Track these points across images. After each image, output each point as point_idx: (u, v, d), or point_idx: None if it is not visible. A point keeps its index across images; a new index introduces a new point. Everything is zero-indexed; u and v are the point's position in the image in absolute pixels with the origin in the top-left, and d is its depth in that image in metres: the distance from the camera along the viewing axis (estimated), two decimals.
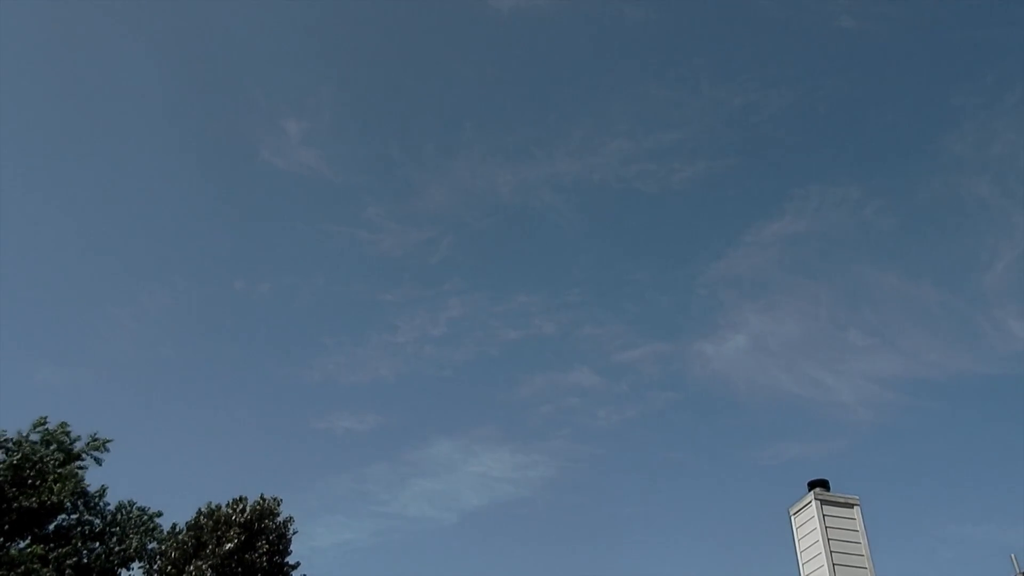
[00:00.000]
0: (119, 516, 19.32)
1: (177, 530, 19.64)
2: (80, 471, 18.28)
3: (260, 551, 18.65)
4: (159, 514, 20.02)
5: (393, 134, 54.23)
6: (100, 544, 18.66)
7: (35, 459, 17.61)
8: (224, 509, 19.35)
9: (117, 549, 18.65)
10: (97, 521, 18.94)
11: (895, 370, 47.07)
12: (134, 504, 19.79)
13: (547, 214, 52.09)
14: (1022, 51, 45.18)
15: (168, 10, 48.81)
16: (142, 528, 19.44)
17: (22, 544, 16.90)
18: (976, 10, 46.62)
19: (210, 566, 18.02)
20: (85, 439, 18.78)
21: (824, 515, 10.84)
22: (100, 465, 18.78)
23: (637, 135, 51.30)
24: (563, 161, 51.39)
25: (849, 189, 47.96)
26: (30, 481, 17.36)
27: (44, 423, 18.40)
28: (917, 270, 48.24)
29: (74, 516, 18.55)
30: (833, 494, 11.10)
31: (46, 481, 17.41)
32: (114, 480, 21.29)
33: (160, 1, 48.44)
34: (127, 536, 19.01)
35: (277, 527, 19.42)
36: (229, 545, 18.42)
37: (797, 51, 49.80)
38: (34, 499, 17.03)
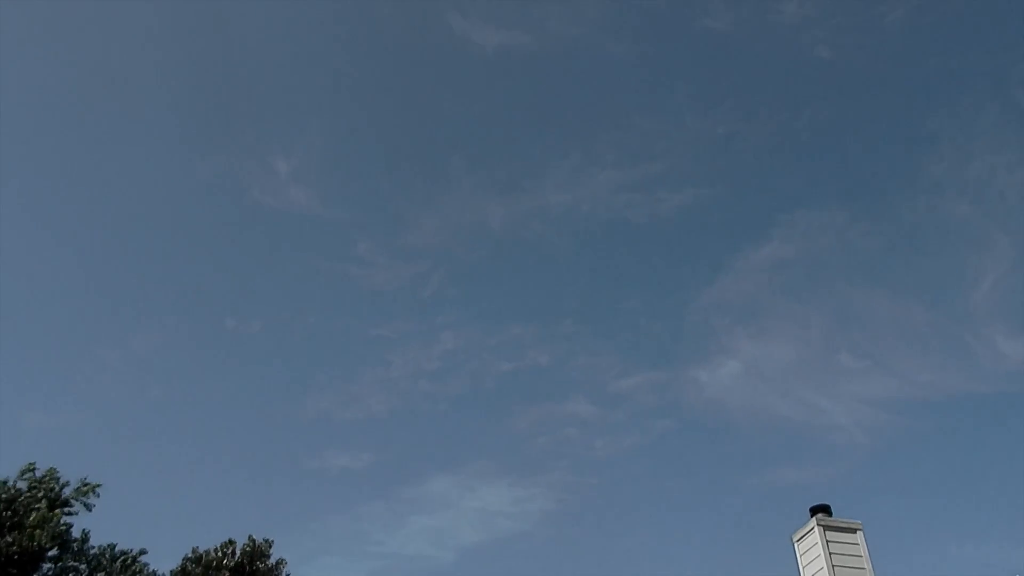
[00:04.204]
0: (103, 560, 18.85)
1: None
2: (68, 516, 17.88)
3: None
4: (143, 552, 19.51)
5: (382, 170, 54.63)
6: None
7: (14, 504, 17.22)
8: (213, 554, 18.98)
9: None
10: (83, 567, 18.47)
11: (889, 391, 47.24)
12: (115, 547, 19.27)
13: (538, 245, 52.39)
14: (993, 76, 46.37)
15: (155, 52, 49.22)
16: (128, 572, 18.97)
17: None
18: (947, 38, 47.92)
19: None
20: (75, 484, 18.40)
21: (827, 541, 10.79)
22: (90, 511, 18.38)
23: (624, 166, 51.98)
24: (552, 193, 51.89)
25: (834, 213, 48.67)
26: (9, 524, 16.94)
27: (32, 469, 18.05)
28: (904, 291, 48.75)
29: (59, 564, 18.09)
30: (835, 519, 11.07)
31: (25, 527, 17.00)
32: (102, 524, 20.79)
33: (149, 43, 48.87)
34: None
35: (269, 570, 19.04)
36: None
37: (776, 81, 50.91)
38: (15, 546, 16.61)
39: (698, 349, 50.74)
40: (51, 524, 17.11)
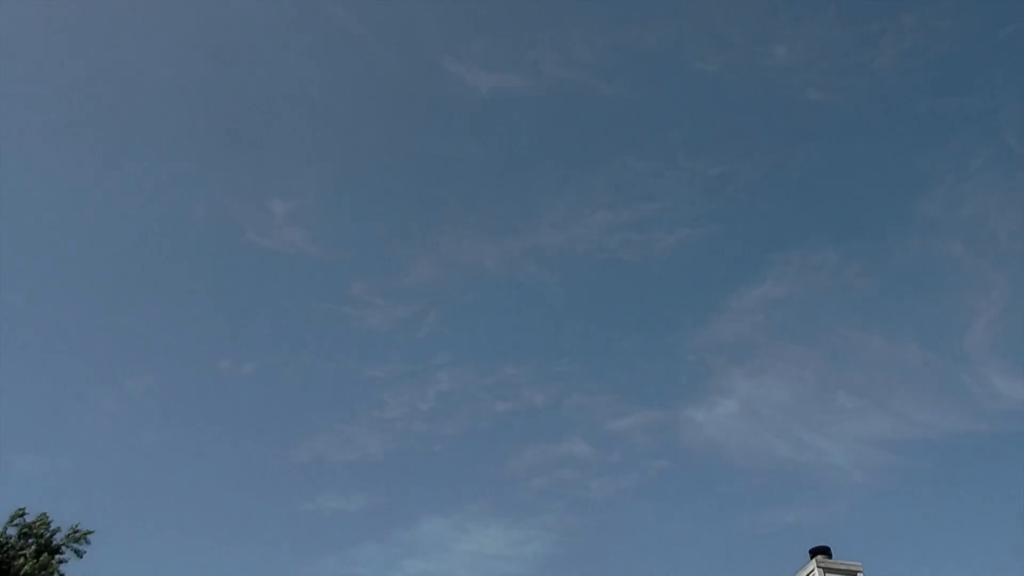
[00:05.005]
0: None
1: None
2: (60, 564, 17.56)
3: None
4: None
5: (378, 211, 55.11)
6: None
7: (4, 553, 16.89)
8: None
9: None
10: None
11: (887, 431, 47.25)
12: None
13: (532, 285, 52.65)
14: (983, 118, 47.31)
15: (153, 95, 49.96)
16: None
17: None
18: (937, 82, 48.98)
19: None
20: (66, 530, 18.12)
21: None
22: (80, 558, 18.05)
23: (618, 206, 52.70)
24: (547, 233, 52.43)
25: (827, 253, 49.36)
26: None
27: (22, 515, 17.77)
28: (900, 331, 49.14)
29: None
30: (835, 561, 11.08)
31: (16, 575, 16.66)
32: (94, 570, 20.45)
33: (148, 85, 49.61)
34: None
35: None
36: None
37: (768, 123, 51.97)
38: None
39: (694, 389, 50.83)
40: (46, 572, 16.80)
